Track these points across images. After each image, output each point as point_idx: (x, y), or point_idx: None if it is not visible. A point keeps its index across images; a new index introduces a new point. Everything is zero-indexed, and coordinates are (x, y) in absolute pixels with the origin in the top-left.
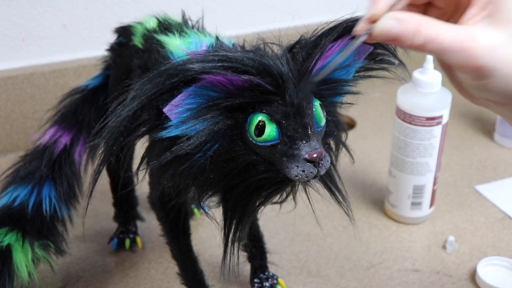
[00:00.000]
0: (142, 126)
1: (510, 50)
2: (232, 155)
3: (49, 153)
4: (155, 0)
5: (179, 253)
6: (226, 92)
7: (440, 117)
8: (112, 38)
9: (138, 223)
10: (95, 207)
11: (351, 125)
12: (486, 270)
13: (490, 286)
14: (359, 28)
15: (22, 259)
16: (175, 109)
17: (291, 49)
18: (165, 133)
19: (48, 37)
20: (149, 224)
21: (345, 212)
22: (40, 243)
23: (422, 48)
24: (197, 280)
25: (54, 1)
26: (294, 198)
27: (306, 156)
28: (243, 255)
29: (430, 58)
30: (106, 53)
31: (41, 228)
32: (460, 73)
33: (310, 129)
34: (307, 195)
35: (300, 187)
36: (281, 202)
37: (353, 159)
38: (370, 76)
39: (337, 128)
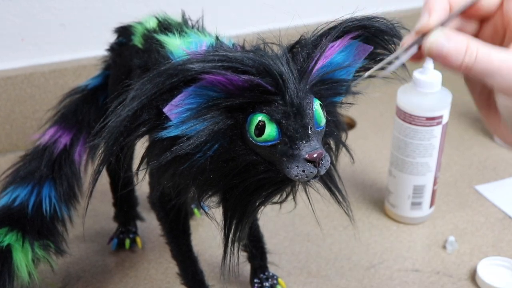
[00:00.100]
0: (142, 126)
1: None
2: (232, 155)
3: (49, 153)
4: None
5: (179, 253)
6: (226, 92)
7: (440, 117)
8: (112, 38)
9: (138, 223)
10: (95, 207)
11: (351, 125)
12: (486, 270)
13: (490, 286)
14: (408, 40)
15: (22, 259)
16: (175, 109)
17: (291, 49)
18: (165, 133)
19: (47, 37)
20: (149, 224)
21: (345, 212)
22: (40, 243)
23: (469, 69)
24: (197, 280)
25: (53, 1)
26: (294, 198)
27: (306, 156)
28: (243, 255)
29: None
30: (106, 53)
31: (41, 228)
32: (502, 100)
33: (310, 129)
34: (307, 195)
35: (300, 187)
36: (281, 202)
37: (353, 159)
38: (370, 76)
39: (337, 128)
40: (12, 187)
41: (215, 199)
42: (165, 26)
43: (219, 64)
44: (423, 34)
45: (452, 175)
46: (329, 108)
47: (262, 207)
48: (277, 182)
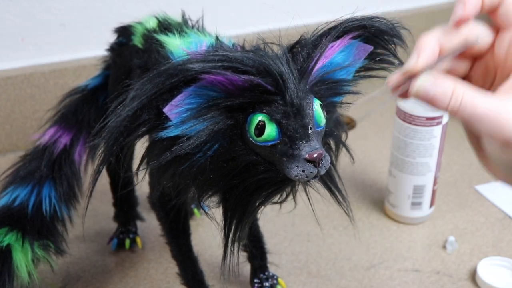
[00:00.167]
0: (142, 126)
1: None
2: (232, 155)
3: (49, 153)
4: None
5: (179, 253)
6: (226, 92)
7: (440, 117)
8: (112, 38)
9: (138, 223)
10: (95, 207)
11: (351, 125)
12: (486, 270)
13: (490, 286)
14: (394, 79)
15: (22, 259)
16: (175, 109)
17: (291, 49)
18: (165, 133)
19: (47, 37)
20: (149, 224)
21: (345, 212)
22: (40, 243)
23: (455, 113)
24: (197, 280)
25: (53, 1)
26: (294, 198)
27: (306, 156)
28: (243, 255)
29: None
30: (106, 53)
31: (41, 228)
32: (488, 144)
33: (310, 129)
34: (307, 195)
35: (300, 187)
36: (281, 202)
37: (353, 159)
38: (370, 76)
39: (337, 128)
40: (12, 187)
41: (215, 199)
42: (165, 26)
43: (219, 64)
44: (411, 76)
45: (452, 175)
46: (329, 108)
47: (262, 207)
48: (277, 182)
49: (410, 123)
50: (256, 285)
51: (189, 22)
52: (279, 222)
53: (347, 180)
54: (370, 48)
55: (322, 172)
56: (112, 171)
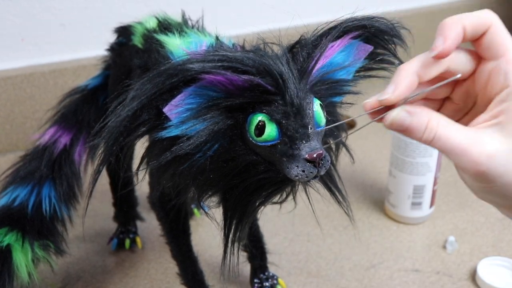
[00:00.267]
0: (142, 126)
1: None
2: (232, 155)
3: (49, 153)
4: None
5: (179, 253)
6: (226, 92)
7: None
8: (111, 38)
9: (138, 223)
10: (95, 207)
11: (351, 125)
12: (486, 270)
13: (490, 286)
14: (370, 105)
15: (22, 259)
16: (175, 109)
17: (291, 49)
18: (165, 133)
19: (47, 37)
20: (149, 224)
21: (345, 212)
22: (40, 243)
23: (430, 144)
24: (197, 280)
25: (53, 1)
26: (294, 198)
27: (306, 156)
28: (243, 255)
29: None
30: (106, 53)
31: (41, 228)
32: (462, 173)
33: (310, 129)
34: (307, 195)
35: (300, 187)
36: (281, 202)
37: (353, 159)
38: (370, 76)
39: (337, 128)
40: (12, 187)
41: (215, 199)
42: (165, 26)
43: (219, 64)
44: (386, 106)
45: (452, 175)
46: (329, 108)
47: (262, 207)
48: (277, 182)
49: None
50: (256, 285)
51: (189, 22)
52: (279, 222)
53: (347, 180)
54: (370, 48)
55: (322, 172)
56: (112, 171)
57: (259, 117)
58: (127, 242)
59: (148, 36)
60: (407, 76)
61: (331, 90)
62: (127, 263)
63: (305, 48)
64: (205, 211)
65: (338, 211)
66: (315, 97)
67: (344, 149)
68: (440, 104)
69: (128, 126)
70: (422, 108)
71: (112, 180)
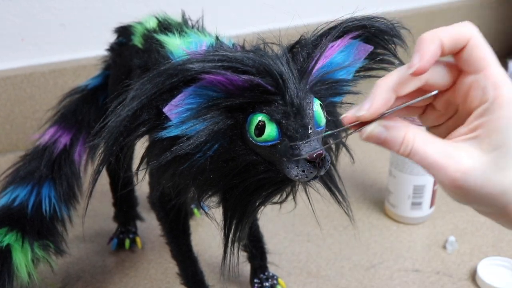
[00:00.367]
0: (142, 126)
1: (488, 174)
2: (232, 155)
3: (49, 153)
4: None
5: (179, 253)
6: (226, 92)
7: None
8: (111, 38)
9: (138, 223)
10: (95, 207)
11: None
12: (486, 270)
13: (490, 286)
14: (348, 119)
15: (21, 259)
16: (175, 109)
17: (291, 49)
18: (165, 133)
19: (47, 37)
20: (149, 224)
21: (345, 212)
22: (39, 243)
23: (407, 157)
24: (197, 280)
25: (53, 1)
26: (294, 198)
27: (306, 156)
28: (243, 255)
29: None
30: (105, 53)
31: (41, 228)
32: (440, 185)
33: (310, 129)
34: (307, 195)
35: (300, 187)
36: (281, 202)
37: (353, 159)
38: (370, 76)
39: (337, 128)
40: (12, 187)
41: (215, 199)
42: (165, 26)
43: (219, 64)
44: (362, 122)
45: None
46: (329, 108)
47: (262, 207)
48: (277, 182)
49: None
50: (256, 285)
51: (189, 22)
52: (279, 222)
53: (347, 180)
54: (370, 48)
55: (322, 172)
56: (112, 171)
57: (259, 117)
58: (127, 242)
59: (148, 36)
60: (382, 93)
61: (331, 90)
62: (127, 263)
63: (305, 48)
64: (205, 211)
65: (338, 211)
66: (315, 97)
67: (344, 149)
68: (423, 109)
69: (128, 126)
70: (399, 122)
71: (112, 180)
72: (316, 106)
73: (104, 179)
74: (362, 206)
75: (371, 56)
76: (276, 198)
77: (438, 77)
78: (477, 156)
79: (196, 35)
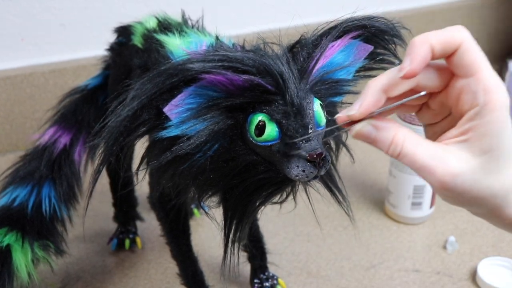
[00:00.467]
0: (142, 126)
1: (478, 178)
2: (232, 155)
3: (49, 153)
4: None
5: (179, 253)
6: (226, 92)
7: None
8: (111, 37)
9: (138, 223)
10: (95, 208)
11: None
12: (487, 270)
13: (490, 286)
14: (341, 119)
15: (21, 259)
16: (175, 108)
17: (291, 48)
18: (165, 133)
19: (47, 37)
20: (149, 225)
21: (345, 212)
22: (39, 244)
23: (397, 159)
24: (197, 281)
25: (53, 1)
26: (294, 198)
27: (307, 156)
28: (243, 256)
29: None
30: (105, 53)
31: (41, 228)
32: (431, 187)
33: (311, 129)
34: (307, 195)
35: (300, 187)
36: (281, 202)
37: (353, 159)
38: (370, 76)
39: (337, 128)
40: (11, 187)
41: (215, 199)
42: (165, 26)
43: (220, 64)
44: (353, 121)
45: None
46: (329, 108)
47: (262, 207)
48: (277, 182)
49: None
50: (256, 285)
51: (189, 22)
52: (279, 222)
53: (347, 180)
54: (370, 48)
55: (322, 172)
56: (112, 171)
57: (259, 117)
58: (127, 242)
59: (148, 36)
60: (372, 94)
61: (331, 90)
62: (127, 263)
63: (305, 48)
64: (205, 211)
65: (338, 211)
66: (315, 97)
67: (344, 149)
68: (419, 107)
69: (128, 126)
70: (390, 122)
71: (112, 180)
72: (316, 106)
73: (104, 179)
74: (362, 206)
75: (371, 56)
76: (276, 198)
77: (429, 79)
78: (466, 159)
79: (196, 35)
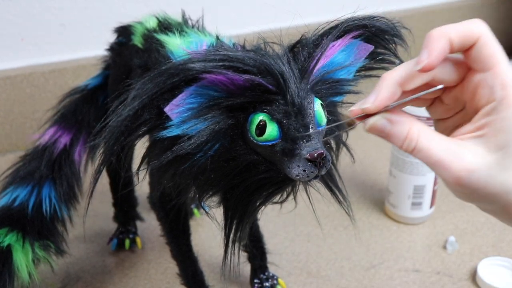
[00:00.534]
0: (143, 126)
1: (493, 174)
2: (233, 155)
3: (49, 153)
4: None
5: (179, 253)
6: (227, 91)
7: None
8: (111, 37)
9: (138, 223)
10: (95, 208)
11: (351, 124)
12: (487, 270)
13: (490, 286)
14: (354, 113)
15: (22, 259)
16: (176, 108)
17: (292, 48)
18: (166, 133)
19: (47, 37)
20: (149, 225)
21: (346, 212)
22: (40, 244)
23: (411, 154)
24: (197, 281)
25: (53, 1)
26: (294, 198)
27: (307, 156)
28: (243, 255)
29: None
30: (105, 53)
31: (41, 229)
32: (444, 182)
33: (311, 128)
34: (307, 195)
35: (301, 187)
36: (281, 202)
37: (353, 159)
38: (371, 76)
39: (338, 127)
40: (12, 187)
41: (215, 199)
42: (165, 25)
43: (220, 63)
44: (367, 114)
45: None
46: (330, 108)
47: (263, 207)
48: (277, 182)
49: None
50: (256, 285)
51: (189, 22)
52: (280, 222)
53: (348, 180)
54: (370, 47)
55: (323, 172)
56: (112, 171)
57: (260, 117)
58: (127, 242)
59: (148, 36)
60: (388, 86)
61: (332, 89)
62: (127, 263)
63: (306, 48)
64: (205, 211)
65: (338, 211)
66: (316, 96)
67: (344, 149)
68: (431, 101)
69: (129, 125)
70: (404, 116)
71: (112, 180)
72: (317, 105)
73: (104, 179)
74: (363, 206)
75: (372, 56)
76: (276, 198)
77: (446, 73)
78: (482, 155)
79: (196, 34)
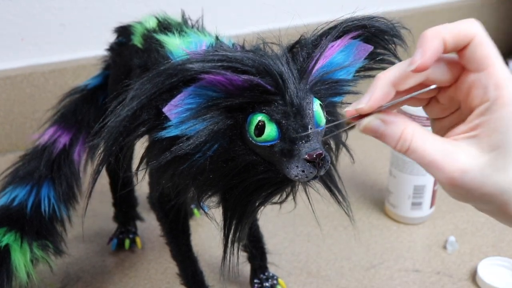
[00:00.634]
0: (141, 126)
1: (487, 174)
2: (231, 155)
3: (48, 153)
4: None
5: (179, 254)
6: (225, 92)
7: None
8: (111, 37)
9: (138, 223)
10: (95, 208)
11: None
12: (487, 270)
13: (490, 286)
14: (349, 113)
15: (20, 259)
16: (175, 109)
17: (291, 49)
18: (165, 133)
19: (47, 37)
20: (149, 225)
21: (345, 212)
22: (38, 244)
23: (405, 154)
24: (197, 281)
25: (53, 1)
26: (294, 198)
27: (306, 156)
28: (243, 256)
29: None
30: (105, 53)
31: (40, 228)
32: (438, 182)
33: (310, 129)
34: (307, 195)
35: (300, 187)
36: (281, 202)
37: (353, 159)
38: (370, 76)
39: (337, 128)
40: (11, 187)
41: (214, 199)
42: (165, 26)
43: (219, 64)
44: (361, 114)
45: None
46: (329, 108)
47: (262, 207)
48: (276, 182)
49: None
50: (256, 285)
51: (189, 22)
52: (279, 222)
53: (348, 180)
54: (370, 48)
55: (322, 172)
56: (112, 171)
57: (259, 117)
58: (127, 242)
59: (148, 36)
60: (382, 86)
61: (331, 90)
62: (127, 263)
63: (305, 48)
64: (204, 211)
65: (338, 211)
66: (315, 97)
67: (344, 149)
68: (427, 101)
69: (127, 126)
70: (399, 117)
71: (111, 180)
72: (316, 106)
73: (104, 179)
74: (362, 206)
75: (371, 56)
76: (276, 198)
77: (440, 73)
78: (475, 155)
79: (196, 35)
